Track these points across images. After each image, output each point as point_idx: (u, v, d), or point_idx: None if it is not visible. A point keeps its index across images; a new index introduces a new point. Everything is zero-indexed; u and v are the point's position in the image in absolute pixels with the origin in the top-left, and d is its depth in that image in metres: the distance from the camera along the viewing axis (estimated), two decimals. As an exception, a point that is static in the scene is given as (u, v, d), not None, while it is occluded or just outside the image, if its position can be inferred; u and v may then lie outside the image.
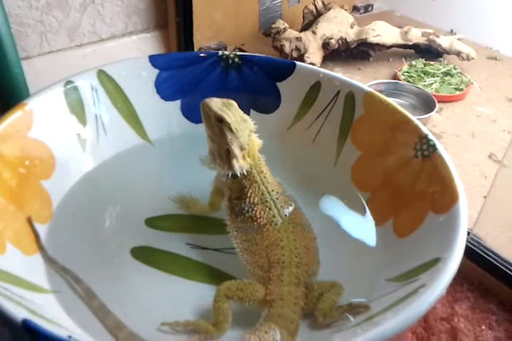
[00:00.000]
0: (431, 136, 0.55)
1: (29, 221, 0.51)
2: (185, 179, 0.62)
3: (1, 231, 0.46)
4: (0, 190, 0.49)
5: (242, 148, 0.50)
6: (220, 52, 0.67)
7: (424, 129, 0.56)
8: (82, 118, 0.61)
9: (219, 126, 0.50)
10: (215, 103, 0.50)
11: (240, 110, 0.51)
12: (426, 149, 0.55)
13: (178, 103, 0.68)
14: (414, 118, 0.58)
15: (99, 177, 0.61)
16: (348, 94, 0.63)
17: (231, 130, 0.49)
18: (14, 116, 0.53)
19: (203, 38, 0.96)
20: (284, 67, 0.67)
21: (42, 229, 0.52)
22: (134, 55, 0.88)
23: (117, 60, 0.65)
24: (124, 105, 0.64)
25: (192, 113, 0.68)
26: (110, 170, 0.62)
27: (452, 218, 0.46)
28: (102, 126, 0.63)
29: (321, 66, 0.96)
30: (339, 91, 0.64)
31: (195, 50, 0.94)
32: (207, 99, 0.50)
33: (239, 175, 0.51)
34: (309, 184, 0.62)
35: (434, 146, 0.54)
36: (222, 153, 0.51)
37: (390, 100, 0.61)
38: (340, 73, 0.97)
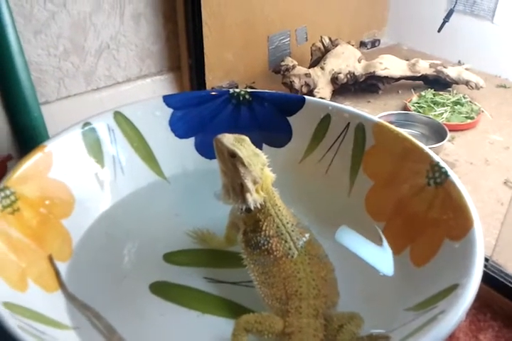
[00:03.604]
0: (442, 164, 0.55)
1: (50, 259, 0.52)
2: (201, 214, 0.63)
3: (24, 270, 0.47)
4: (22, 230, 0.50)
5: (255, 182, 0.51)
6: (231, 90, 0.70)
7: (435, 157, 0.57)
8: (100, 158, 0.63)
9: (232, 161, 0.51)
10: (228, 138, 0.51)
11: (252, 145, 0.52)
12: (438, 176, 0.55)
13: (192, 140, 0.70)
14: (424, 147, 0.58)
15: (117, 215, 0.62)
16: (357, 126, 0.64)
17: (244, 164, 0.50)
18: (34, 158, 0.55)
19: (214, 78, 0.99)
20: (293, 101, 0.69)
21: (62, 266, 0.53)
22: (148, 97, 0.91)
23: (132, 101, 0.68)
24: (140, 144, 0.66)
25: (206, 149, 0.69)
26: (128, 208, 0.63)
27: (468, 243, 0.46)
28: (120, 165, 0.65)
29: (330, 100, 0.98)
30: (349, 123, 0.65)
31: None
32: (219, 135, 0.52)
33: (253, 208, 0.52)
34: (324, 215, 0.62)
35: (446, 173, 0.54)
36: (235, 188, 0.52)
37: (401, 130, 0.62)
38: (350, 106, 0.99)
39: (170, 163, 0.68)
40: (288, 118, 0.69)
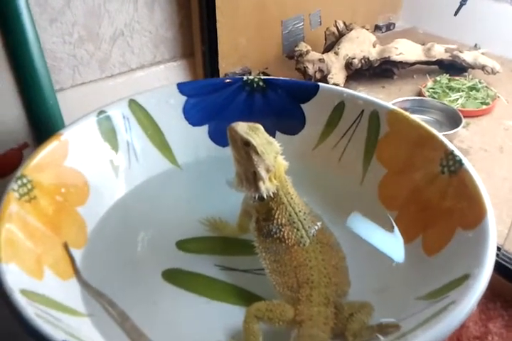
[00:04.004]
0: (457, 152, 0.55)
1: (65, 246, 0.53)
2: (213, 202, 0.63)
3: (40, 257, 0.48)
4: (38, 217, 0.51)
5: (268, 170, 0.51)
6: (245, 77, 0.69)
7: (450, 145, 0.56)
8: (114, 146, 0.63)
9: (245, 149, 0.51)
10: (241, 127, 0.51)
11: (265, 133, 0.52)
12: (452, 165, 0.55)
13: (205, 128, 0.70)
14: (439, 134, 0.58)
15: (131, 203, 0.63)
16: (372, 113, 0.64)
17: (257, 153, 0.50)
18: (51, 146, 0.56)
19: (227, 65, 0.99)
20: (307, 88, 0.68)
21: (77, 253, 0.54)
22: (162, 83, 0.91)
23: (146, 88, 0.68)
24: (154, 132, 0.67)
25: (219, 137, 0.69)
26: (142, 195, 0.64)
27: (481, 233, 0.46)
28: (134, 152, 0.65)
29: (344, 86, 0.97)
30: (363, 110, 0.65)
31: (221, 76, 0.97)
32: (233, 124, 0.52)
33: (265, 197, 0.52)
34: (336, 203, 0.62)
35: (460, 162, 0.54)
36: (248, 176, 0.52)
37: (415, 117, 0.61)
38: (364, 92, 0.98)
39: (183, 151, 0.68)
40: (302, 105, 0.69)
